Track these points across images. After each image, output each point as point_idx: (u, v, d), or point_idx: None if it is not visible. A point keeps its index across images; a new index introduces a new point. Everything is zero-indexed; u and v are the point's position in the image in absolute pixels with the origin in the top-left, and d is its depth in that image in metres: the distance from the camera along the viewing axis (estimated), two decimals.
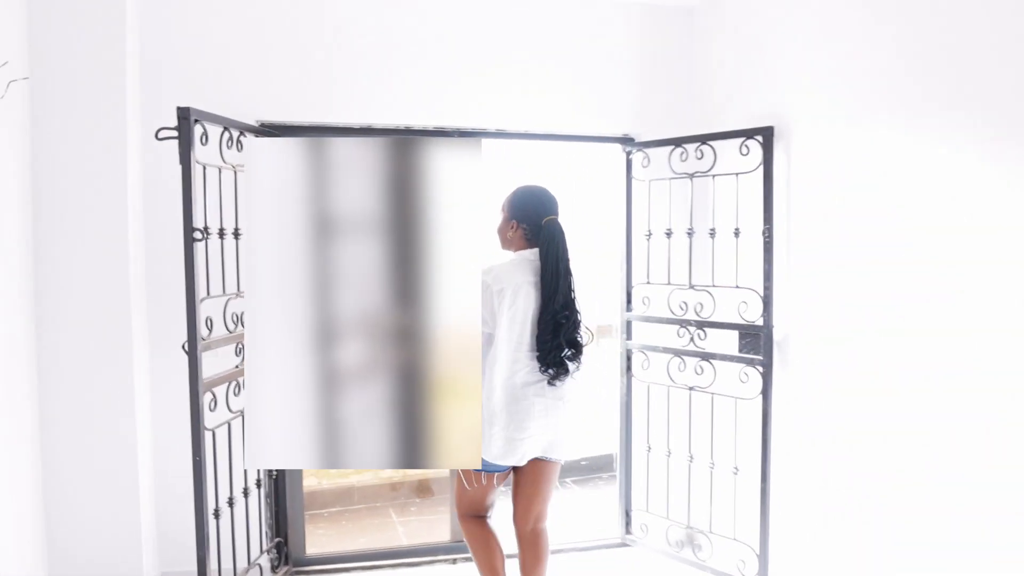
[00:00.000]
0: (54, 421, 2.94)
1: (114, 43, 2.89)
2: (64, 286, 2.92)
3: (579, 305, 2.77)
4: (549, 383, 2.72)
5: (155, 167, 3.07)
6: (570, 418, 2.83)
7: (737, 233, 3.33)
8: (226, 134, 2.86)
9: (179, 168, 2.58)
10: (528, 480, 2.81)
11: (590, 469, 5.32)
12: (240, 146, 2.95)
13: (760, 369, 3.28)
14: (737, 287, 3.35)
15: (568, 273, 2.74)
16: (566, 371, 2.73)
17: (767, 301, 3.26)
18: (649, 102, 3.85)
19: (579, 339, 2.77)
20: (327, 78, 3.42)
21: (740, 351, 3.41)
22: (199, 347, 2.63)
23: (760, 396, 3.28)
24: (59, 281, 2.91)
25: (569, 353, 2.73)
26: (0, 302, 2.67)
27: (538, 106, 3.70)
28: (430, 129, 3.58)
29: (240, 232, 2.95)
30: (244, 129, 3.00)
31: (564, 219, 2.84)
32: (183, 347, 2.65)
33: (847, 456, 2.93)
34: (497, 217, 2.93)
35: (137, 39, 3.08)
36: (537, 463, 2.78)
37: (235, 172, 2.96)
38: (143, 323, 3.10)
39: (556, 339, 2.69)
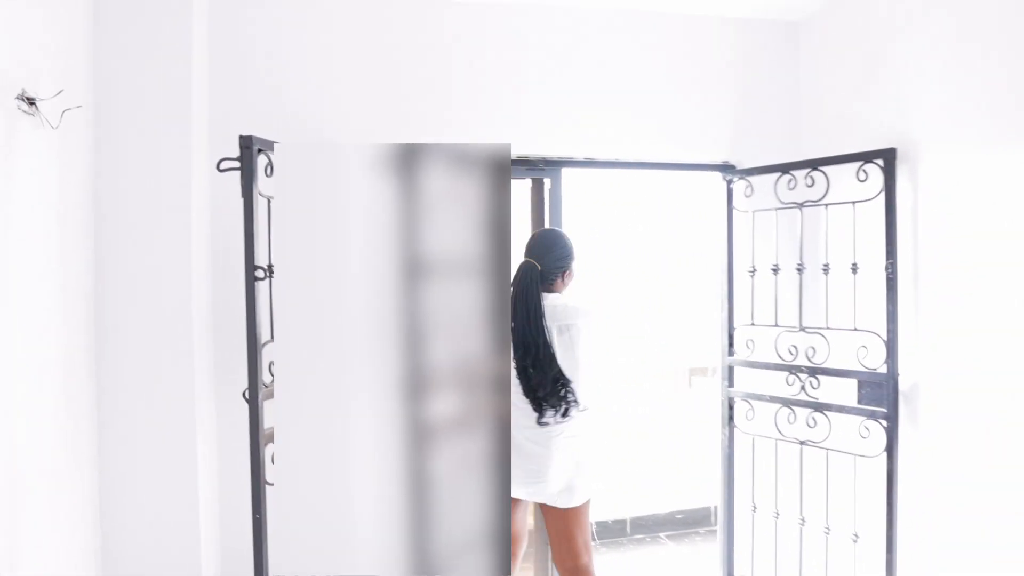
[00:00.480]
0: (113, 473, 2.79)
1: (180, 68, 2.77)
2: (125, 324, 2.78)
3: (558, 354, 2.69)
4: (538, 422, 2.69)
5: (223, 198, 2.94)
6: (562, 467, 2.74)
7: (855, 269, 2.95)
8: None
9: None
10: (550, 517, 2.80)
11: (686, 523, 4.91)
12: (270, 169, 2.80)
13: (883, 423, 2.88)
14: (855, 330, 2.96)
15: (530, 319, 2.65)
16: (554, 409, 2.67)
17: (891, 346, 2.86)
18: (750, 126, 3.53)
19: (562, 379, 2.67)
20: (404, 106, 3.24)
21: (859, 402, 3.01)
22: (260, 395, 2.45)
23: (884, 454, 2.87)
24: (120, 318, 2.77)
25: (560, 392, 2.67)
26: (60, 341, 2.58)
27: (628, 132, 3.43)
28: (512, 158, 3.37)
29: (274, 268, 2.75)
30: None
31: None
32: (243, 395, 2.48)
33: (988, 527, 2.50)
34: None
35: (205, 65, 2.97)
36: (546, 507, 2.79)
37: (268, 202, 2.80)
38: (207, 366, 2.96)
39: (528, 381, 2.65)
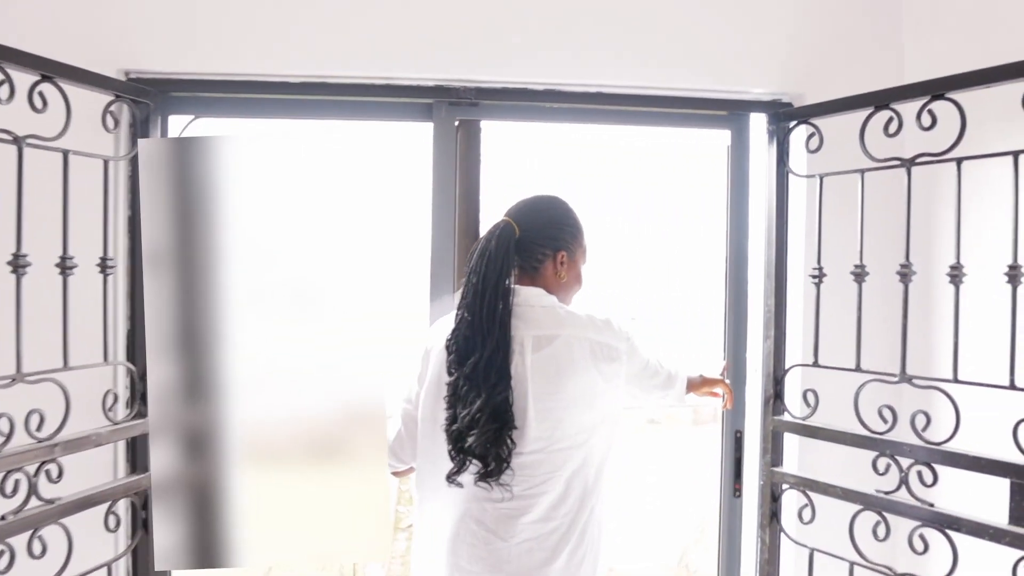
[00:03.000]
0: None
1: None
2: None
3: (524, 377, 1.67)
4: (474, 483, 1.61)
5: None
6: None
7: (1015, 275, 1.60)
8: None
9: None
10: None
11: None
12: (43, 100, 1.58)
13: None
14: (1013, 387, 1.62)
15: (484, 301, 1.63)
16: (484, 465, 1.57)
17: None
18: (815, 40, 2.23)
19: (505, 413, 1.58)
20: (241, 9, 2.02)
21: (1013, 519, 1.65)
22: None
23: None
24: None
25: (498, 436, 1.57)
26: None
27: (611, 51, 2.15)
28: (415, 86, 2.12)
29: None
30: (68, 77, 1.62)
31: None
32: None
33: None
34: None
35: None
36: None
37: (19, 148, 1.56)
38: None
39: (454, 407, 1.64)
